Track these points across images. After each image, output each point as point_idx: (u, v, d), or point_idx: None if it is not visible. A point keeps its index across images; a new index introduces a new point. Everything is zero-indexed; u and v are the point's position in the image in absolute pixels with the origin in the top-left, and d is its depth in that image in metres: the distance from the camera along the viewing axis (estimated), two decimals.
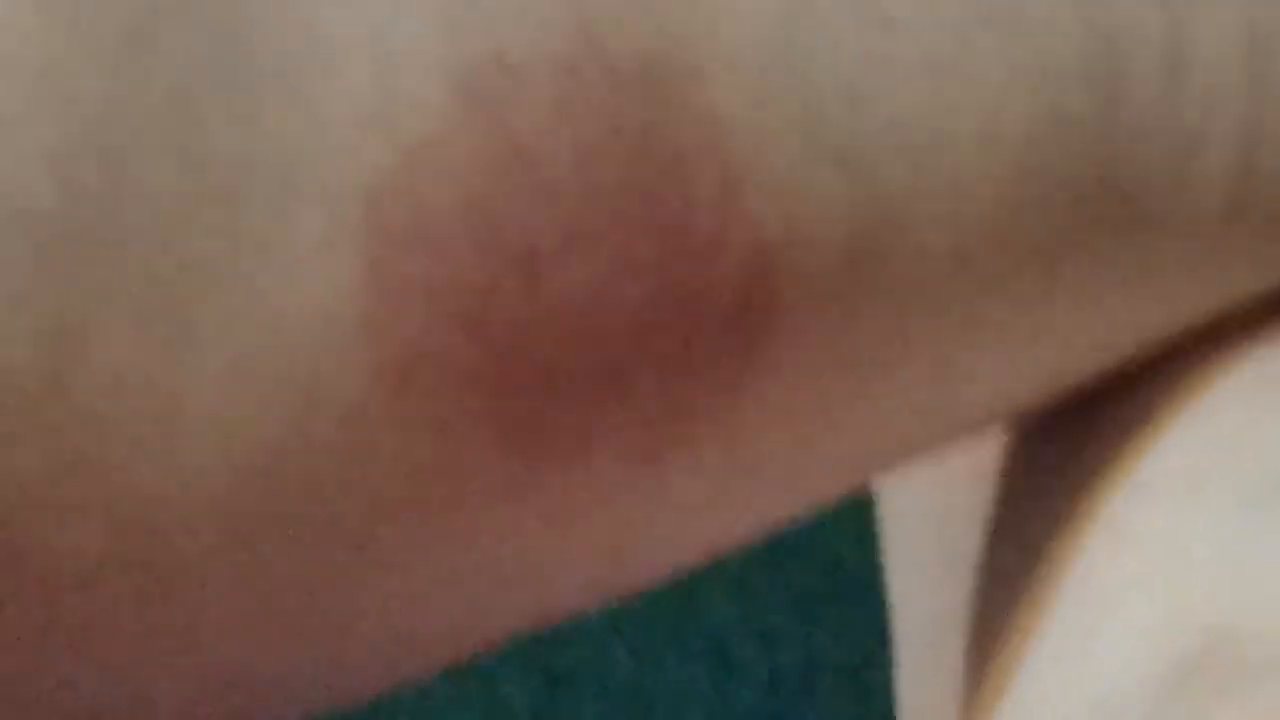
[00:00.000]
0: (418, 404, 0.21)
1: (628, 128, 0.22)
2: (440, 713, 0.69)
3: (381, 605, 0.23)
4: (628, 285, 0.22)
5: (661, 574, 0.25)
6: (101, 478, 0.20)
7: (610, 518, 0.24)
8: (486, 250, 0.21)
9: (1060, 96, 0.24)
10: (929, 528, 0.35)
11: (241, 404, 0.21)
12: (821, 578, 0.70)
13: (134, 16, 0.20)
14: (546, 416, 0.22)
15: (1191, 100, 0.25)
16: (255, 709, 0.23)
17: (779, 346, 0.23)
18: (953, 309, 0.25)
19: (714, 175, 0.22)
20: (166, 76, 0.20)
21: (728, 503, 0.25)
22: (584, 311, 0.22)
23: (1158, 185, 0.25)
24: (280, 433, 0.21)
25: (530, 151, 0.21)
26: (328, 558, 0.22)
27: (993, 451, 0.30)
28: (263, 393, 0.21)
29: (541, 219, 0.21)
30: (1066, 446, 0.28)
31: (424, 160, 0.21)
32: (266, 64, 0.20)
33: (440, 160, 0.21)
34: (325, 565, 0.22)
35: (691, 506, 0.24)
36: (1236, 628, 0.22)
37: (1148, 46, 0.25)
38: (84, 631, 0.21)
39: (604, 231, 0.22)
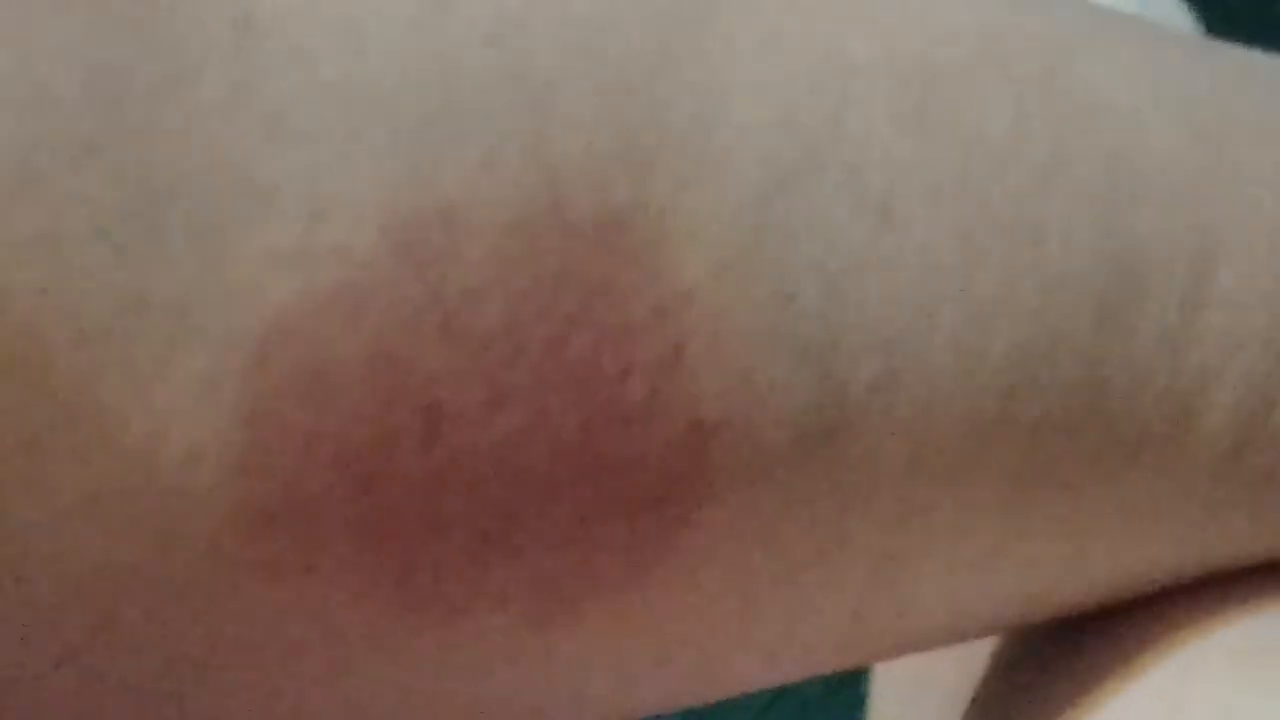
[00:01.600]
0: (281, 549, 0.20)
1: (571, 289, 0.20)
2: None
3: None
4: (539, 448, 0.20)
5: None
6: None
7: (495, 678, 0.22)
8: (386, 402, 0.20)
9: (1060, 319, 0.23)
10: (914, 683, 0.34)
11: (84, 533, 0.19)
12: None
13: (25, 156, 0.19)
14: (427, 572, 0.21)
15: (1204, 341, 0.23)
16: None
17: (702, 531, 0.22)
18: (900, 518, 0.23)
19: (657, 346, 0.21)
20: (48, 215, 0.19)
21: (630, 678, 0.23)
22: (486, 469, 0.20)
23: (1153, 427, 0.24)
24: (124, 561, 0.20)
25: (457, 307, 0.20)
26: (169, 680, 0.21)
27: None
28: (109, 523, 0.19)
29: (453, 375, 0.20)
30: (1043, 662, 0.27)
31: (335, 306, 0.20)
32: (174, 208, 0.19)
33: (353, 308, 0.20)
34: (166, 686, 0.21)
35: (588, 678, 0.23)
36: None
37: (1169, 279, 0.23)
38: None
39: (522, 393, 0.20)
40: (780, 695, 0.70)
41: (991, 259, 0.22)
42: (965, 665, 0.31)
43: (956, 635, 0.25)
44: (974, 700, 0.29)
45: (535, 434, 0.20)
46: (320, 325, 0.19)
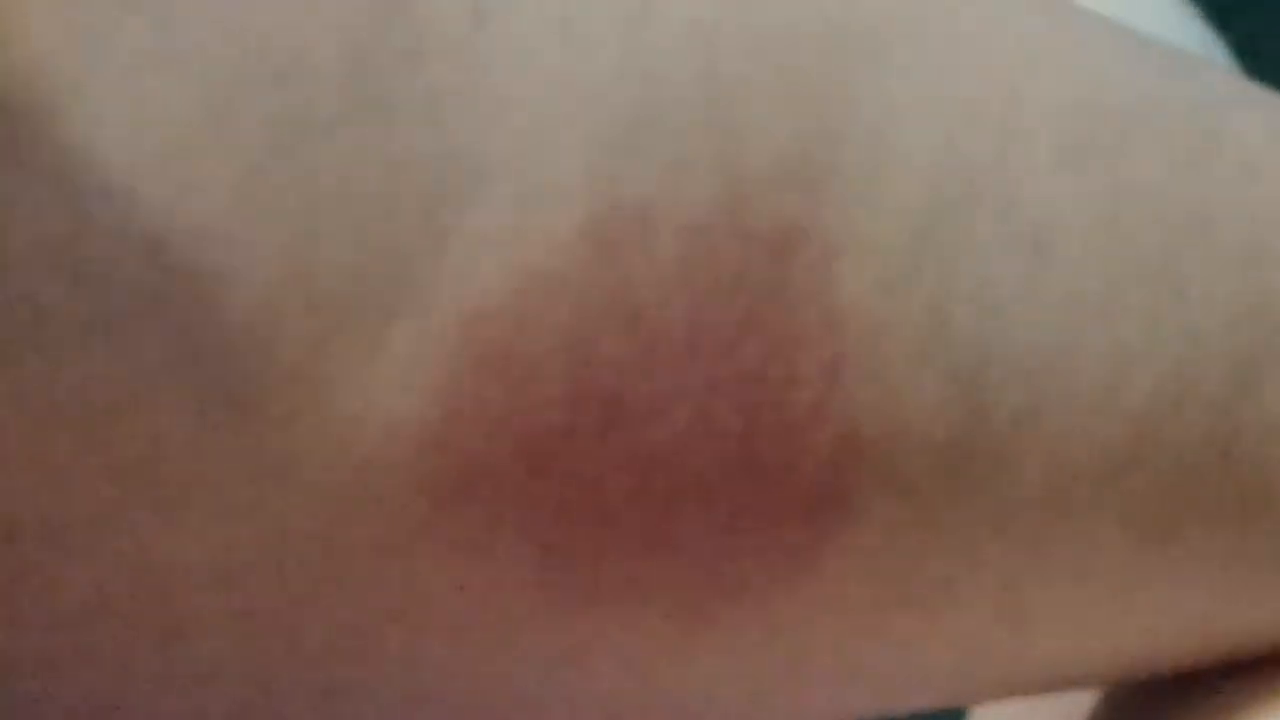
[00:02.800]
0: (460, 519, 0.21)
1: (746, 293, 0.21)
2: None
3: (383, 697, 0.22)
4: (705, 448, 0.21)
5: None
6: (118, 528, 0.20)
7: (638, 673, 0.23)
8: (572, 388, 0.21)
9: (1195, 369, 0.23)
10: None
11: (276, 496, 0.20)
12: None
13: (280, 123, 0.20)
14: (592, 560, 0.21)
15: None
16: None
17: (847, 542, 0.22)
18: (1035, 554, 0.24)
19: (822, 357, 0.22)
20: (297, 184, 0.20)
21: (763, 690, 0.24)
22: (653, 466, 0.21)
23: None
24: (314, 527, 0.20)
25: (644, 304, 0.21)
26: (339, 639, 0.22)
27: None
28: (302, 490, 0.20)
29: (635, 371, 0.21)
30: (1150, 714, 0.27)
31: (536, 293, 0.20)
32: (405, 181, 0.20)
33: (552, 296, 0.20)
34: (336, 645, 0.22)
35: (725, 684, 0.23)
36: None
37: None
38: (69, 659, 0.21)
39: (696, 394, 0.21)
40: None
41: (1135, 305, 0.23)
42: (1068, 713, 0.31)
43: (1068, 680, 0.26)
44: None
45: (702, 434, 0.21)
46: (520, 309, 0.20)
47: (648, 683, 0.23)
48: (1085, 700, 0.30)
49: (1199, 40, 0.52)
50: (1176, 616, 0.25)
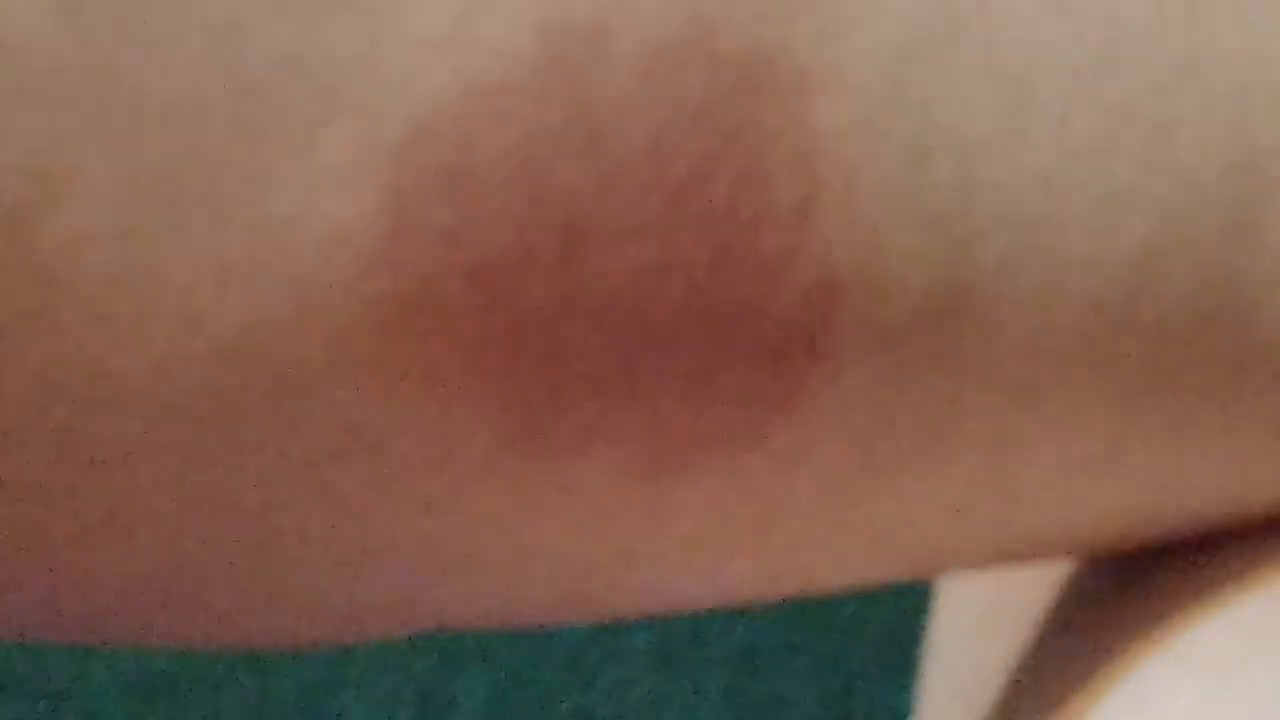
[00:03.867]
0: (409, 349, 0.20)
1: (713, 123, 0.20)
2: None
3: (321, 552, 0.21)
4: (670, 286, 0.20)
5: (649, 607, 0.24)
6: (47, 335, 0.19)
7: (603, 524, 0.22)
8: (527, 214, 0.20)
9: (1188, 218, 0.23)
10: (977, 612, 0.34)
11: (219, 299, 0.19)
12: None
13: None
14: (548, 403, 0.21)
15: None
16: (190, 610, 0.22)
17: (822, 391, 0.22)
18: (1018, 406, 0.23)
19: (795, 193, 0.20)
20: None
21: (729, 553, 0.23)
22: (613, 305, 0.20)
23: (1276, 339, 0.23)
24: (258, 339, 0.20)
25: (602, 125, 0.20)
26: (279, 481, 0.21)
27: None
28: (242, 296, 0.19)
29: (595, 197, 0.20)
30: (1124, 585, 0.26)
31: (485, 104, 0.19)
32: None
33: (503, 109, 0.19)
34: (274, 488, 0.21)
35: (689, 544, 0.23)
36: None
37: None
38: (5, 492, 0.20)
39: (659, 224, 0.20)
40: (832, 663, 0.70)
41: (1125, 148, 0.22)
42: (1032, 596, 0.30)
43: (1052, 548, 0.25)
44: (1040, 630, 0.28)
45: (666, 270, 0.20)
46: (468, 121, 0.19)
47: (608, 540, 0.22)
48: (1050, 577, 0.29)
49: None
50: (1162, 479, 0.24)
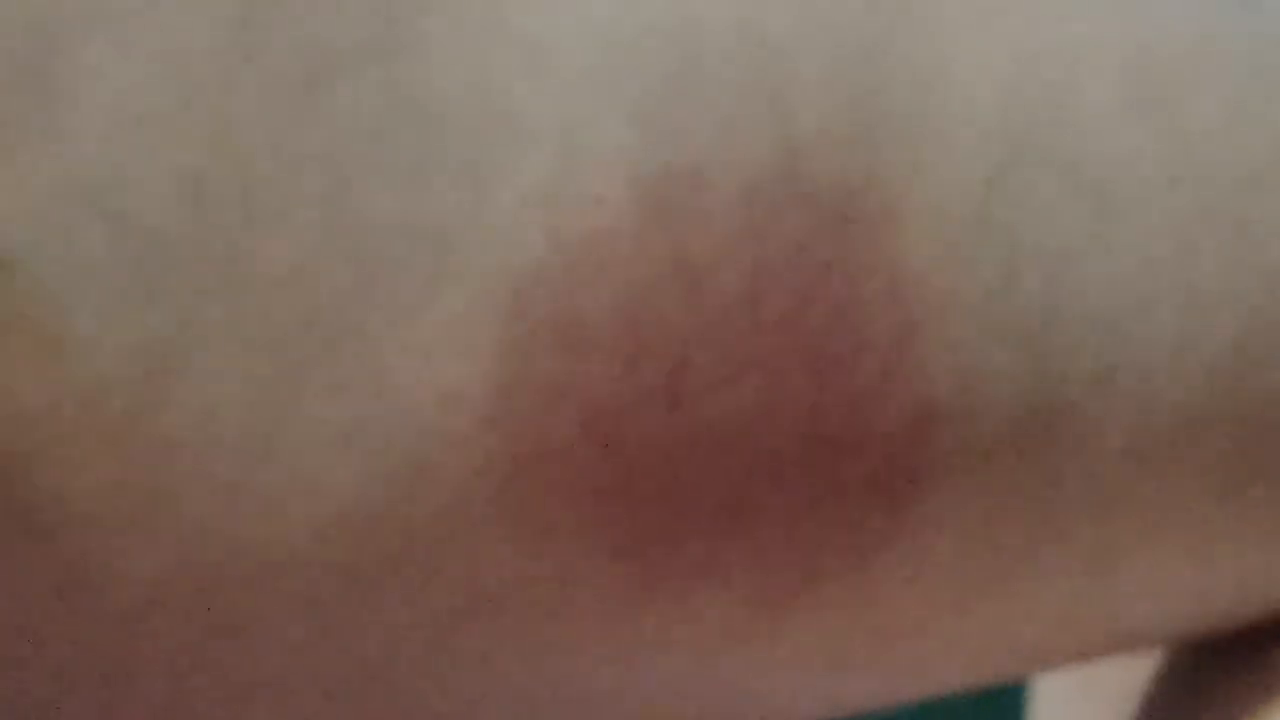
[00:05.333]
0: (528, 503, 0.20)
1: (809, 261, 0.20)
2: None
3: (457, 705, 0.22)
4: (773, 423, 0.21)
5: None
6: (174, 508, 0.19)
7: (716, 659, 0.22)
8: (633, 361, 0.20)
9: (1273, 312, 0.23)
10: (1078, 690, 0.34)
11: (339, 467, 0.19)
12: None
13: (314, 58, 0.19)
14: (665, 542, 0.21)
15: None
16: None
17: (924, 514, 0.22)
18: (1118, 511, 0.23)
19: (890, 324, 0.21)
20: (333, 120, 0.19)
21: (846, 670, 0.23)
22: (724, 441, 0.20)
23: None
24: (376, 503, 0.20)
25: (701, 270, 0.20)
26: (404, 640, 0.21)
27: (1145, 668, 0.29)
28: (364, 461, 0.19)
29: (698, 339, 0.20)
30: (1216, 677, 0.26)
31: (587, 257, 0.20)
32: (443, 132, 0.19)
33: (604, 260, 0.20)
34: (400, 647, 0.21)
35: (807, 666, 0.23)
36: None
37: None
38: (127, 666, 0.20)
39: (761, 363, 0.20)
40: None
41: (1208, 252, 0.22)
42: (1132, 670, 0.30)
43: (1157, 637, 0.25)
44: (1142, 705, 0.28)
45: (770, 408, 0.20)
46: (572, 274, 0.20)
47: (726, 670, 0.22)
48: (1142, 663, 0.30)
49: None
50: (1262, 568, 0.24)
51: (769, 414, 0.20)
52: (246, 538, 0.19)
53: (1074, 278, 0.22)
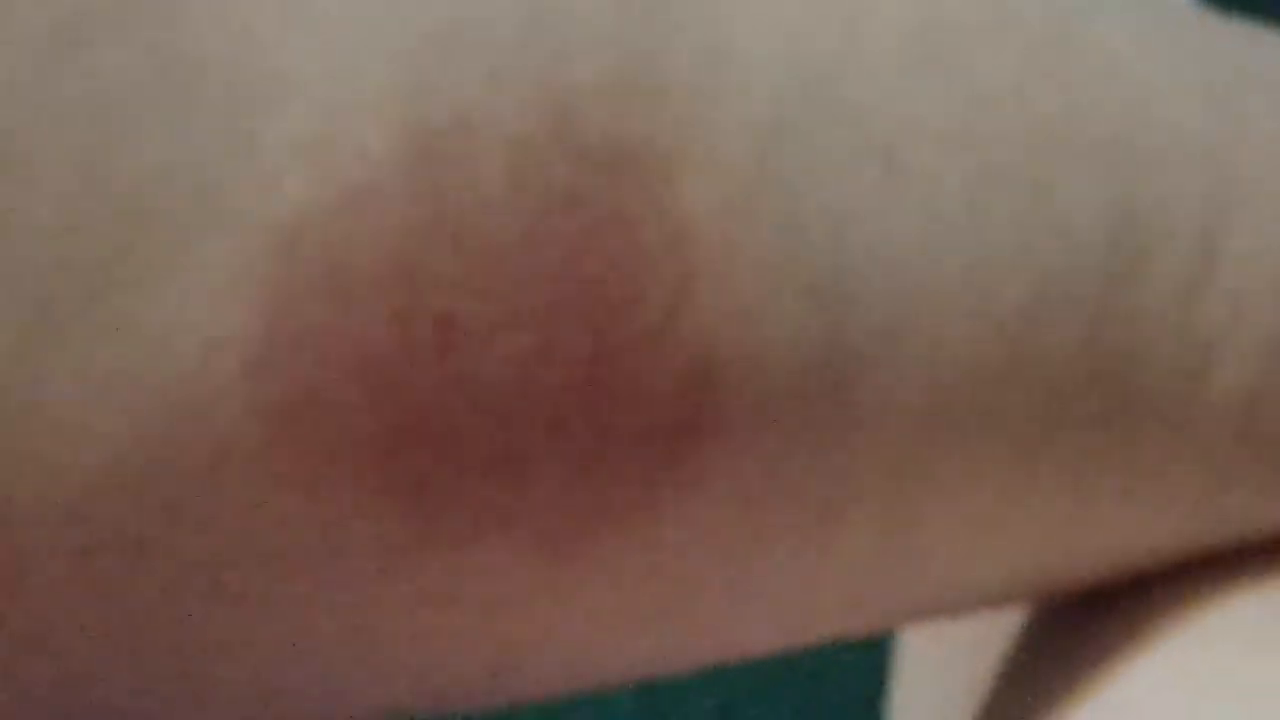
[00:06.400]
0: (296, 453, 0.20)
1: (582, 211, 0.21)
2: None
3: (233, 653, 0.22)
4: (550, 372, 0.21)
5: (574, 683, 0.24)
6: None
7: (504, 611, 0.22)
8: (402, 311, 0.20)
9: (1067, 274, 0.23)
10: (937, 659, 0.34)
11: (105, 417, 0.19)
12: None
13: (63, 12, 0.19)
14: (440, 492, 0.21)
15: (1214, 300, 0.23)
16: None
17: (711, 465, 0.22)
18: (913, 470, 0.23)
19: (668, 276, 0.21)
20: (86, 76, 0.19)
21: (644, 628, 0.23)
22: (497, 392, 0.21)
23: (1163, 385, 0.24)
24: (143, 453, 0.20)
25: (471, 220, 0.20)
26: (180, 589, 0.21)
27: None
28: (131, 409, 0.20)
29: (468, 290, 0.20)
30: (1053, 639, 0.26)
31: (353, 206, 0.20)
32: (205, 82, 0.19)
33: (371, 210, 0.20)
34: (176, 596, 0.21)
35: (602, 617, 0.23)
36: None
37: (1179, 238, 0.23)
38: None
39: (535, 314, 0.21)
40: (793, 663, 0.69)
41: (998, 211, 0.23)
42: (989, 642, 0.31)
43: (967, 603, 0.25)
44: (997, 675, 0.28)
45: (546, 356, 0.21)
46: (340, 223, 0.20)
47: (518, 627, 0.22)
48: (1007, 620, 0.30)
49: None
50: (1064, 529, 0.24)
51: (544, 363, 0.21)
52: (13, 490, 0.19)
53: (862, 233, 0.22)
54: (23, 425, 0.19)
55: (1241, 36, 0.26)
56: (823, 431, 0.22)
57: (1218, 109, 0.24)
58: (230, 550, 0.21)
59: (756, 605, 0.24)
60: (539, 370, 0.21)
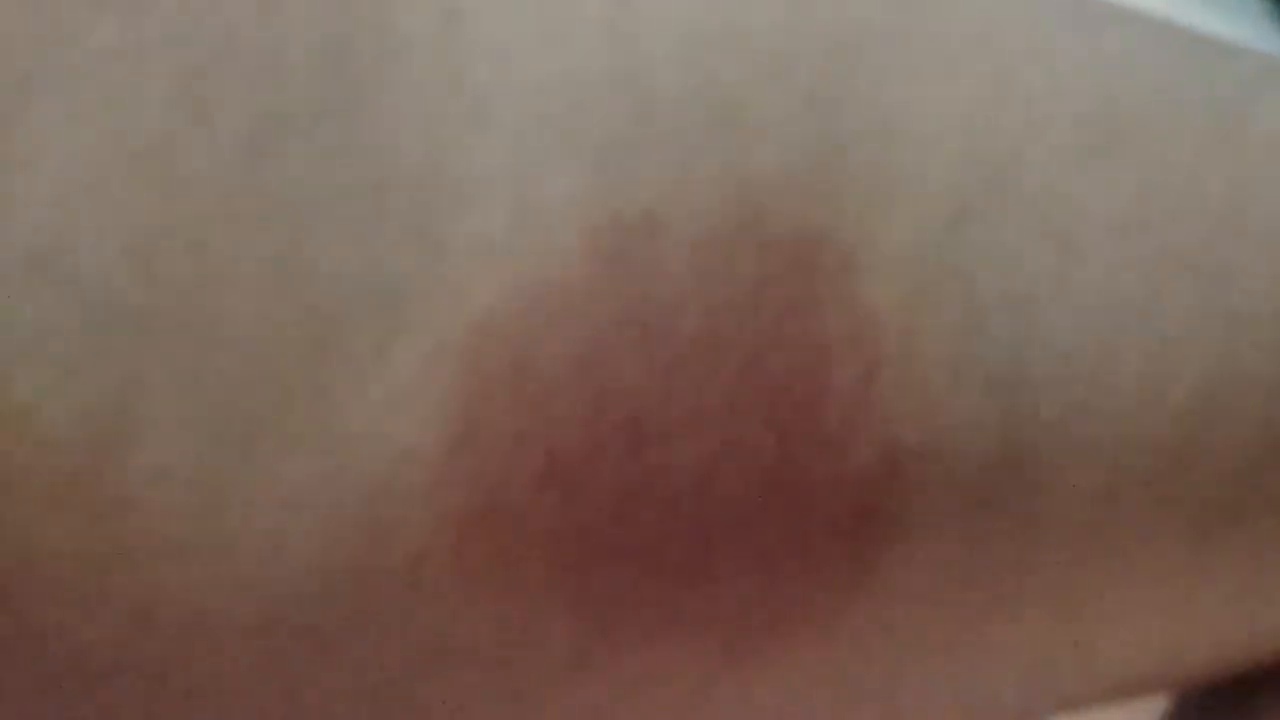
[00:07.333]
0: (488, 555, 0.20)
1: (767, 308, 0.20)
2: None
3: None
4: (736, 470, 0.20)
5: None
6: (132, 571, 0.19)
7: (685, 712, 0.22)
8: (590, 413, 0.20)
9: (1245, 357, 0.23)
10: None
11: (295, 526, 0.19)
12: None
13: (258, 120, 0.19)
14: (627, 592, 0.21)
15: None
16: None
17: (894, 561, 0.22)
18: (1090, 556, 0.23)
19: (852, 371, 0.21)
20: (282, 185, 0.19)
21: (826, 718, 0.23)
22: (685, 490, 0.20)
23: None
24: (335, 562, 0.20)
25: (656, 318, 0.20)
26: (369, 699, 0.21)
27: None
28: (321, 520, 0.19)
29: (656, 390, 0.20)
30: (1221, 714, 0.26)
31: (541, 307, 0.20)
32: (393, 187, 0.19)
33: (559, 310, 0.20)
34: (365, 706, 0.21)
35: (783, 717, 0.23)
36: None
37: None
38: None
39: (722, 413, 0.20)
40: None
41: (1175, 297, 0.22)
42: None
43: (1134, 688, 0.25)
44: None
45: (731, 455, 0.20)
46: (527, 325, 0.19)
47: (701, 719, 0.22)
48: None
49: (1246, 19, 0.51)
50: (1241, 615, 0.24)
51: (731, 462, 0.20)
52: (205, 599, 0.19)
53: (1040, 320, 0.22)
54: (214, 536, 0.19)
55: None
56: (1001, 523, 0.22)
57: None
58: (418, 661, 0.20)
59: (928, 699, 0.23)
60: (724, 469, 0.20)
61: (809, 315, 0.20)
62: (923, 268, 0.21)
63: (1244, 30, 0.25)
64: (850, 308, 0.21)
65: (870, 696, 0.23)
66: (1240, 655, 0.25)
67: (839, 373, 0.21)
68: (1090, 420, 0.22)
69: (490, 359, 0.19)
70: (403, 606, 0.20)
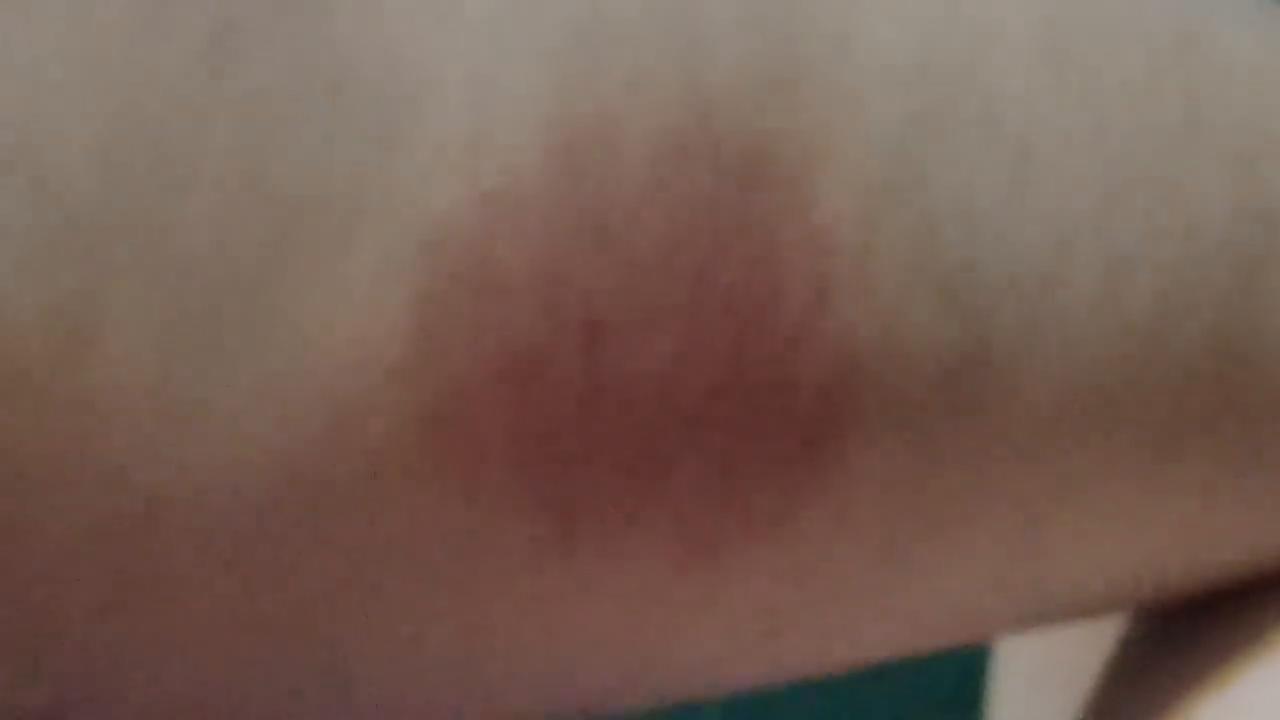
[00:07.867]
0: (447, 454, 0.20)
1: (724, 212, 0.21)
2: None
3: (380, 656, 0.22)
4: (694, 372, 0.21)
5: (698, 689, 0.24)
6: (99, 464, 0.19)
7: (645, 612, 0.22)
8: (549, 313, 0.20)
9: (1198, 271, 0.23)
10: (1037, 666, 0.33)
11: (260, 421, 0.20)
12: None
13: (218, 24, 0.19)
14: (586, 492, 0.21)
15: None
16: None
17: (850, 463, 0.22)
18: (1047, 471, 0.23)
19: (807, 274, 0.21)
20: (241, 84, 0.19)
21: (779, 632, 0.23)
22: (642, 392, 0.21)
23: None
24: (298, 457, 0.20)
25: (615, 222, 0.20)
26: (329, 596, 0.21)
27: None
28: (285, 414, 0.20)
29: (613, 292, 0.20)
30: (1177, 636, 0.26)
31: (502, 210, 0.20)
32: (352, 88, 0.20)
33: (519, 213, 0.20)
34: (326, 603, 0.21)
35: (738, 628, 0.23)
36: None
37: None
38: (53, 619, 0.20)
39: (678, 315, 0.21)
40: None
41: (1128, 209, 0.23)
42: (1091, 647, 0.30)
43: (1091, 606, 0.25)
44: (1099, 682, 0.28)
45: (689, 359, 0.21)
46: (487, 222, 0.20)
47: (654, 624, 0.22)
48: (1109, 629, 0.29)
49: None
50: (1196, 528, 0.24)
51: (687, 366, 0.21)
52: (168, 490, 0.20)
53: (994, 229, 0.22)
54: (177, 425, 0.19)
55: None
56: (957, 431, 0.22)
57: None
58: (379, 553, 0.21)
59: (882, 610, 0.23)
60: (681, 373, 0.21)
61: (764, 220, 0.21)
62: (877, 175, 0.21)
63: None
64: (805, 213, 0.21)
65: (829, 599, 0.23)
66: (1195, 579, 0.25)
67: (794, 276, 0.21)
68: (1044, 331, 0.22)
69: (451, 253, 0.20)
70: (361, 502, 0.20)
